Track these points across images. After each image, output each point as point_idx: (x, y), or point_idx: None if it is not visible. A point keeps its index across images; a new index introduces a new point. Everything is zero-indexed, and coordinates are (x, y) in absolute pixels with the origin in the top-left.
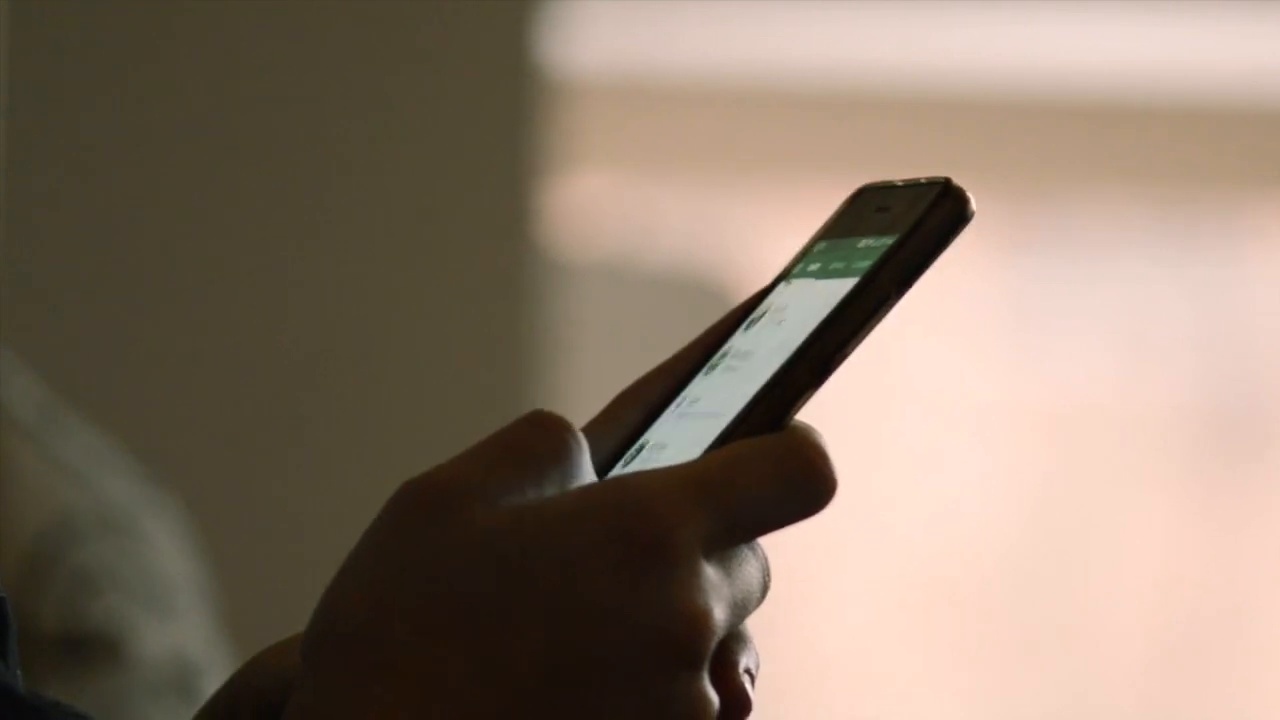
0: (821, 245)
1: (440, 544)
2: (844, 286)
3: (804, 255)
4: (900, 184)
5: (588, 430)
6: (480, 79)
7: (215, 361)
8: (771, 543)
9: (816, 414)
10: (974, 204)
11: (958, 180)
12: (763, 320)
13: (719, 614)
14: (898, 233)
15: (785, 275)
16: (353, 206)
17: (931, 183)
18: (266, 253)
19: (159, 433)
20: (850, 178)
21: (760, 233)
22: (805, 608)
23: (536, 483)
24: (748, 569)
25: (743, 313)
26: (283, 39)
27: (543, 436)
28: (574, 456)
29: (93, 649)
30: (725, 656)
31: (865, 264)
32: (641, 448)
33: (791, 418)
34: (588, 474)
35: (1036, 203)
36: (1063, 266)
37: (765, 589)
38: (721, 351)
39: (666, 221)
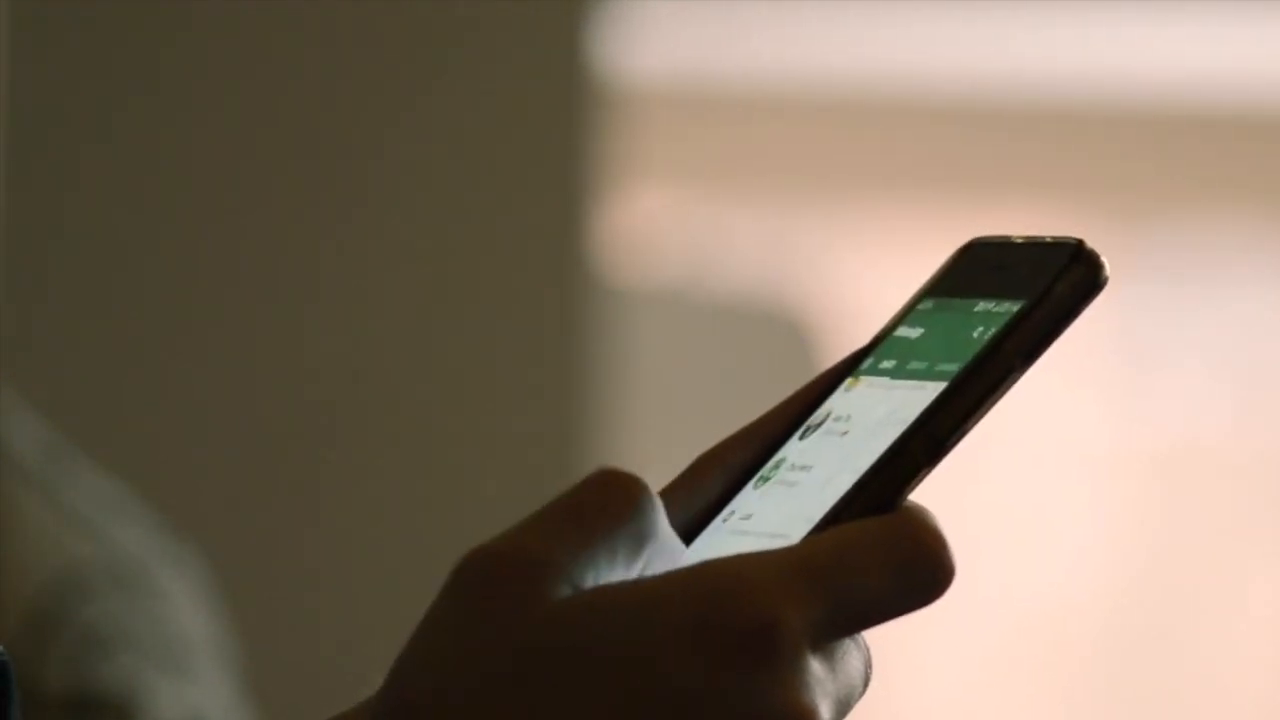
0: (927, 304)
1: (512, 630)
2: (962, 355)
3: (907, 313)
4: (1020, 240)
5: (667, 494)
6: (529, 85)
7: (239, 396)
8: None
9: None
10: (1109, 269)
11: (1090, 243)
12: (864, 384)
13: (824, 712)
14: (1022, 299)
15: (887, 334)
16: (390, 225)
17: (1059, 243)
18: (298, 275)
19: (175, 477)
20: (936, 195)
21: (838, 256)
22: (896, 672)
23: (609, 550)
24: (851, 662)
25: (840, 373)
26: (312, 43)
27: (611, 498)
28: (647, 517)
29: (102, 713)
30: None
31: (985, 331)
32: (728, 518)
33: (905, 497)
34: (664, 534)
35: (1142, 223)
36: (1173, 294)
37: (867, 682)
38: (819, 415)
39: (734, 243)
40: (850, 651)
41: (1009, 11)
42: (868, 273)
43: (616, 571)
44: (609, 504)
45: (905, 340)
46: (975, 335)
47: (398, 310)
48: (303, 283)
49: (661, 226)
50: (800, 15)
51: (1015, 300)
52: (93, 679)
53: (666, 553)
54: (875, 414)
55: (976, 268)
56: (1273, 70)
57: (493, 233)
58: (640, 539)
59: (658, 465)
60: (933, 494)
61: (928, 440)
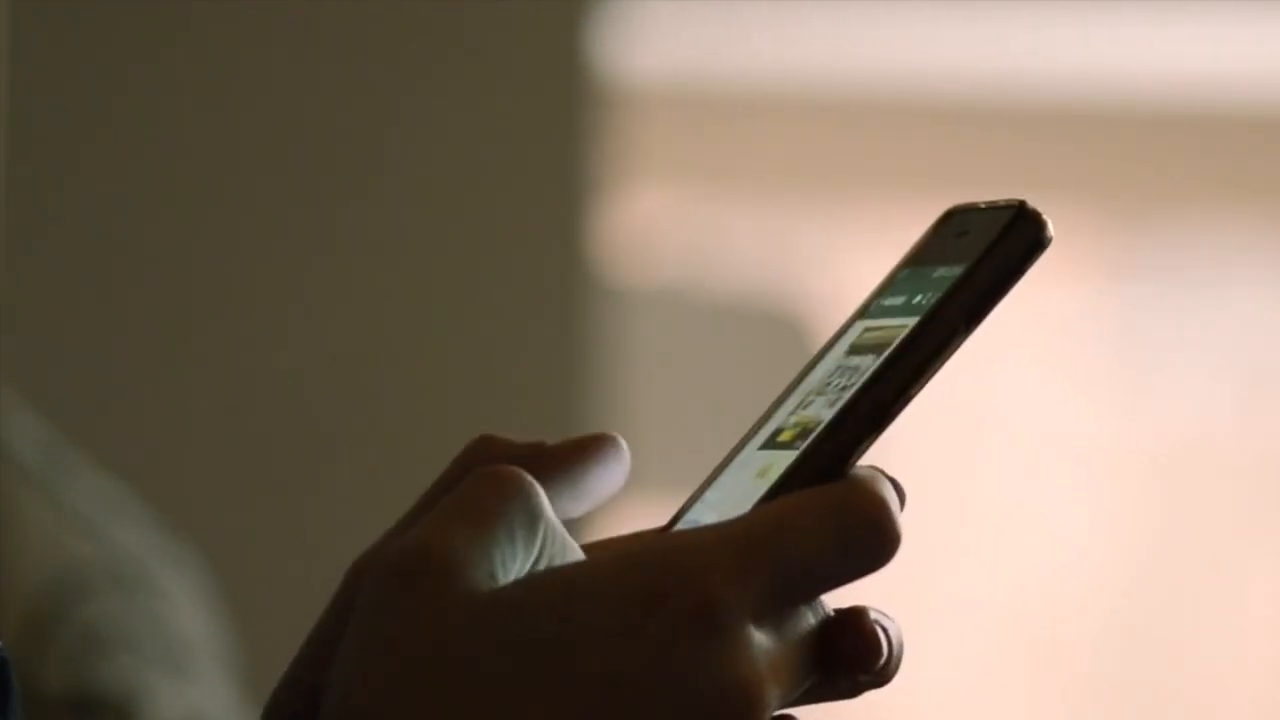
0: (905, 274)
1: (449, 622)
2: (913, 321)
3: (887, 285)
4: (983, 206)
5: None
6: (529, 85)
7: (239, 396)
8: (847, 598)
9: (903, 455)
10: (1051, 229)
11: (1033, 203)
12: (834, 355)
13: (771, 683)
14: (967, 262)
15: (866, 307)
16: (390, 225)
17: (1006, 206)
18: (299, 275)
19: (175, 477)
20: (937, 195)
21: (838, 255)
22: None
23: (508, 531)
24: (804, 627)
25: (827, 347)
26: (312, 43)
27: (493, 488)
28: (531, 499)
29: (102, 713)
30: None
31: (932, 297)
32: (709, 489)
33: (851, 465)
34: (551, 514)
35: (1143, 222)
36: (1172, 293)
37: (827, 646)
38: (803, 389)
39: (733, 243)
40: (805, 618)
41: (1009, 11)
42: (868, 273)
43: (518, 551)
44: (492, 492)
45: (882, 308)
46: (925, 301)
47: (398, 310)
48: (303, 283)
49: (661, 226)
50: (800, 15)
51: (964, 264)
52: (93, 679)
53: (558, 533)
54: (837, 383)
55: (945, 235)
56: (1273, 70)
57: (493, 233)
58: (533, 518)
59: (658, 465)
60: (932, 494)
61: (870, 407)
